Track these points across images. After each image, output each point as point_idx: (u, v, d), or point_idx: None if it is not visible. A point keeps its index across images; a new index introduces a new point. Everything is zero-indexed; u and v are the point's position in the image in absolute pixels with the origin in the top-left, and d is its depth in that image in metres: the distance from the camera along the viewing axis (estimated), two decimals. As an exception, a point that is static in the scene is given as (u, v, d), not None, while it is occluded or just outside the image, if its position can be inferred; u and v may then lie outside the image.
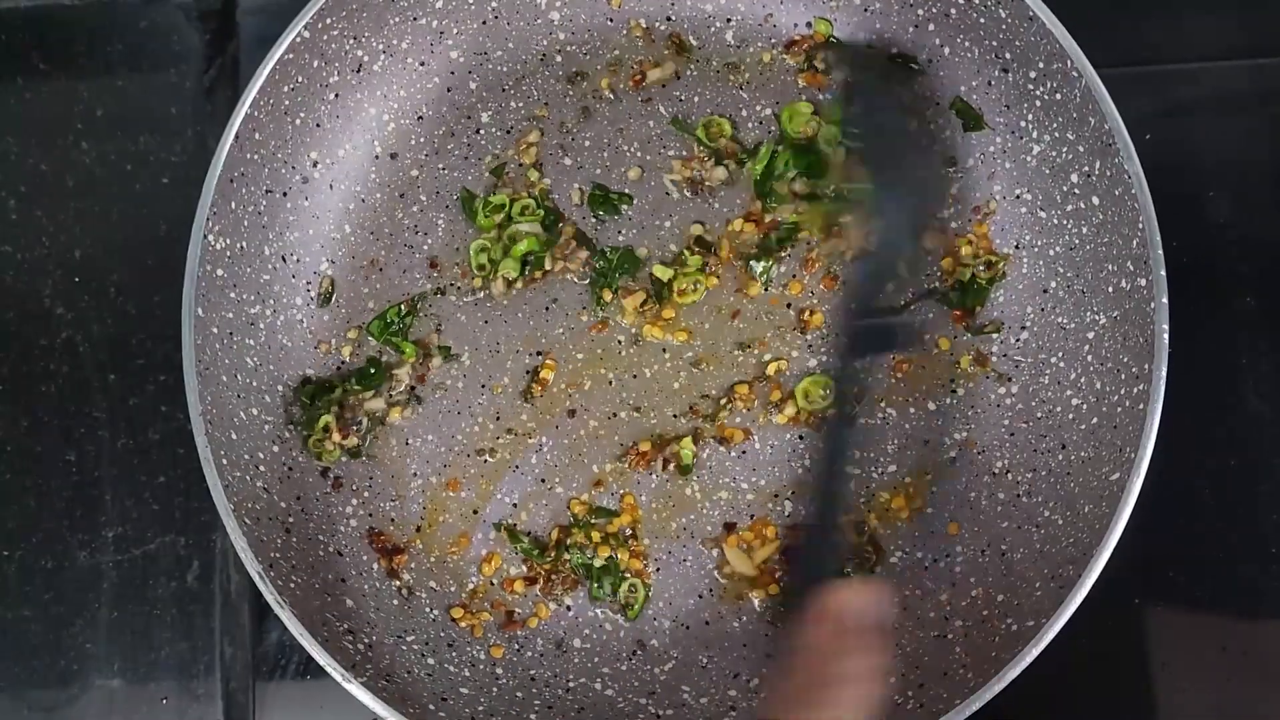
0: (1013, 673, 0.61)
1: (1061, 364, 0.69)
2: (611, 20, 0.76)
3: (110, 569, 0.75)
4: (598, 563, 0.70)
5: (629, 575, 0.70)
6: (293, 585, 0.64)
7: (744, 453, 0.71)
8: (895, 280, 0.68)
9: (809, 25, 0.75)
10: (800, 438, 0.71)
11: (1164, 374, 0.63)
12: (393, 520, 0.71)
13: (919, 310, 0.72)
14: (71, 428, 0.76)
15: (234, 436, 0.66)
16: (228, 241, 0.68)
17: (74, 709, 0.73)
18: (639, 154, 0.74)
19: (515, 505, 0.71)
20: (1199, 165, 0.78)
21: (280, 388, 0.71)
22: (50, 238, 0.79)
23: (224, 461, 0.64)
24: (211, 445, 0.64)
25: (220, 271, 0.67)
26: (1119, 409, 0.65)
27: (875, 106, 0.70)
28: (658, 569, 0.71)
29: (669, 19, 0.76)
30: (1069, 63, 0.66)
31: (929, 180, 0.70)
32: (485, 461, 0.72)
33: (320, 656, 0.61)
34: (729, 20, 0.75)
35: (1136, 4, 0.80)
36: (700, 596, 0.70)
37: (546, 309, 0.73)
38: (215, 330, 0.67)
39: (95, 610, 0.74)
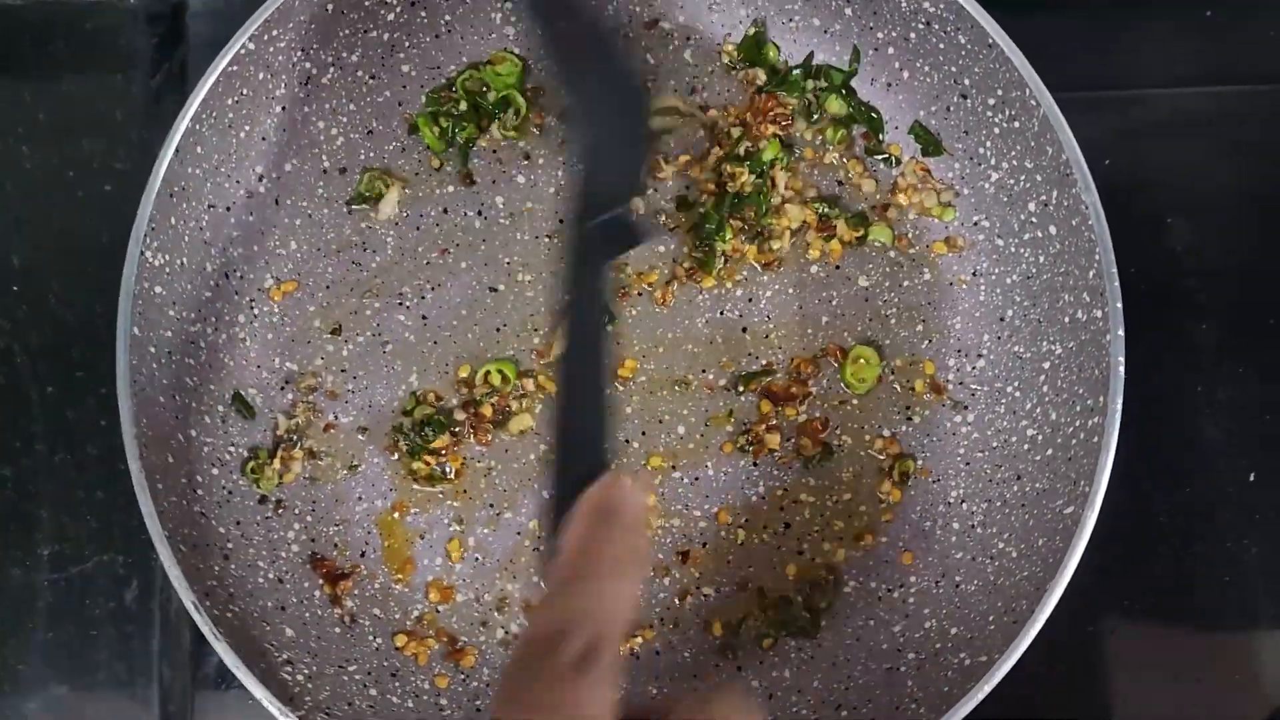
0: (964, 710, 0.60)
1: (1018, 393, 0.69)
2: (568, 35, 0.74)
3: (46, 588, 0.73)
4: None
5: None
6: (230, 615, 0.63)
7: (697, 479, 0.70)
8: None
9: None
10: (754, 465, 0.70)
11: (1119, 407, 0.62)
12: (335, 545, 0.69)
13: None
14: (6, 441, 0.74)
15: (170, 460, 0.64)
16: (166, 258, 0.66)
17: (4, 734, 0.72)
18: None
19: (463, 530, 0.70)
20: (1159, 191, 0.78)
21: (221, 409, 0.69)
22: (-12, 244, 0.77)
23: (159, 486, 0.62)
24: (146, 469, 0.61)
25: (159, 289, 0.65)
26: (1074, 441, 0.64)
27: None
28: (607, 597, 0.69)
29: (627, 36, 0.74)
30: (1027, 91, 0.65)
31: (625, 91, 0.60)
32: (433, 486, 0.70)
33: (256, 690, 0.60)
34: (688, 39, 0.74)
35: (1097, 30, 0.80)
36: (650, 626, 0.69)
37: (497, 330, 0.72)
38: (153, 349, 0.65)
39: (29, 630, 0.72)
